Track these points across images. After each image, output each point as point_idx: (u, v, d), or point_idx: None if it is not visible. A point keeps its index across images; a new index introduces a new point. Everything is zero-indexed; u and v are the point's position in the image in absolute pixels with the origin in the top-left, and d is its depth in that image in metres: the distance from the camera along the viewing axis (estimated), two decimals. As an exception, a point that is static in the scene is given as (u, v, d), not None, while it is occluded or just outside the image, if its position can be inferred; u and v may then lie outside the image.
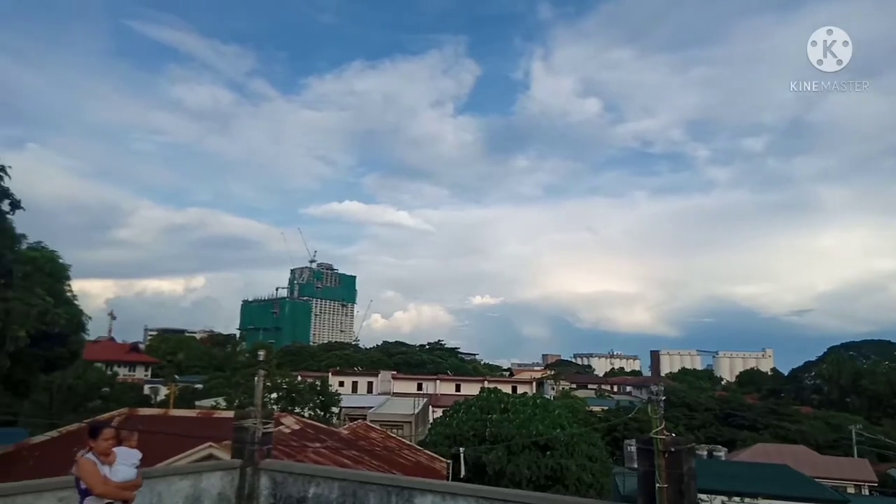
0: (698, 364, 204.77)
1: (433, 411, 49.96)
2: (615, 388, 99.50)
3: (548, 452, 24.51)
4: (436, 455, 23.19)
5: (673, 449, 6.39)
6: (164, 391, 55.42)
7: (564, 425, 26.32)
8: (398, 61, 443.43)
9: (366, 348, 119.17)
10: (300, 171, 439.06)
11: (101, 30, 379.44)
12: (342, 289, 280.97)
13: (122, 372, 71.07)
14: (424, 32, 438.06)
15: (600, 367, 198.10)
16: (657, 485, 6.16)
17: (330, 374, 59.81)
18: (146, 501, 6.65)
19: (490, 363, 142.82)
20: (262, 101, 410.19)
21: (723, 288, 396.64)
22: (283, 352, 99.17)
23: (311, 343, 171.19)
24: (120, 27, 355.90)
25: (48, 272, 17.75)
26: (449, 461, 22.80)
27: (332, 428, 26.62)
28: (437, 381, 66.87)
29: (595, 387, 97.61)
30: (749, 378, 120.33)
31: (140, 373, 78.18)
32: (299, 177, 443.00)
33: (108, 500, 5.20)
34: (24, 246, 17.42)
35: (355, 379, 66.35)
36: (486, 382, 59.14)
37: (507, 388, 46.68)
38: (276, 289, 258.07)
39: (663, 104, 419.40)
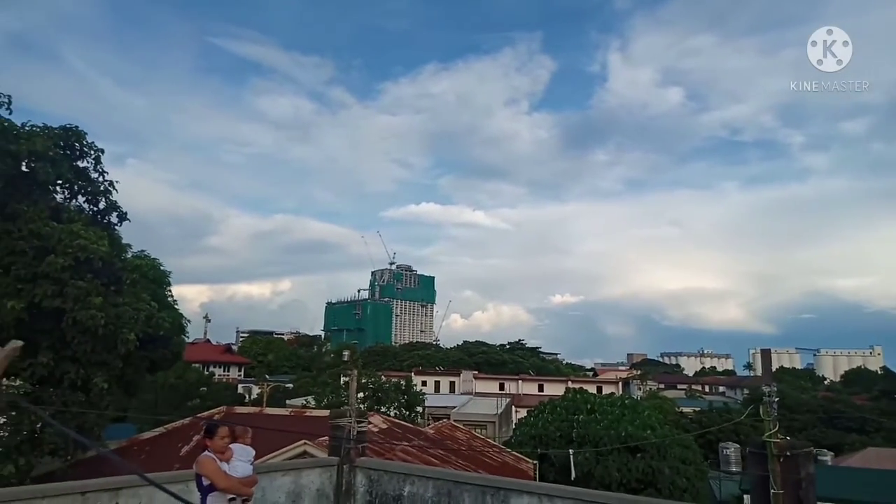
0: (797, 363, 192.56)
1: (516, 411, 49.57)
2: (707, 389, 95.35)
3: (638, 455, 23.74)
4: (522, 456, 22.94)
5: (789, 453, 6.02)
6: (256, 390, 57.94)
7: (655, 427, 25.41)
8: (471, 61, 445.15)
9: (446, 348, 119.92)
10: (378, 175, 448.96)
11: (191, 49, 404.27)
12: (421, 289, 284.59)
13: (218, 372, 74.79)
14: (497, 31, 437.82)
15: (689, 366, 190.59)
16: (772, 491, 5.80)
17: (412, 373, 60.46)
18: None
19: (572, 363, 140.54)
20: (340, 108, 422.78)
21: (823, 281, 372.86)
22: (367, 352, 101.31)
23: (393, 343, 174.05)
24: (207, 46, 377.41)
25: (151, 279, 18.75)
26: (535, 462, 22.49)
27: (418, 427, 26.90)
28: (520, 381, 66.32)
29: (685, 387, 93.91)
30: (856, 377, 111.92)
31: (234, 373, 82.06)
32: (377, 180, 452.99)
33: (230, 497, 5.31)
34: (129, 255, 18.57)
35: (437, 378, 66.74)
36: (569, 382, 58.15)
37: (591, 389, 45.68)
38: (358, 290, 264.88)
39: (751, 89, 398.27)
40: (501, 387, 63.73)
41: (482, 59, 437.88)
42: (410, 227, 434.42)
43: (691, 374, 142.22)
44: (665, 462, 23.40)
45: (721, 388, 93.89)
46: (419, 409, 38.08)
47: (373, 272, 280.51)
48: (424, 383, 58.99)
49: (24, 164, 15.58)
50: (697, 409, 54.50)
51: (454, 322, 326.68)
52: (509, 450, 24.41)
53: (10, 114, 16.10)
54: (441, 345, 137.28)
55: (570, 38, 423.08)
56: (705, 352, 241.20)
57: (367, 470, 8.63)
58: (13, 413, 13.64)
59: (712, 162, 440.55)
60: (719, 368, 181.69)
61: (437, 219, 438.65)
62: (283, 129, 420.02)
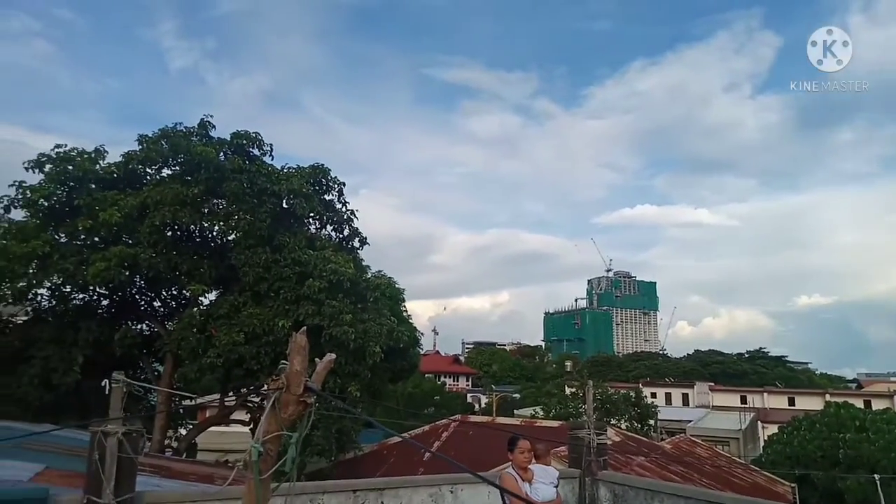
0: None
1: (763, 427, 44.76)
2: None
3: (931, 483, 19.88)
4: (776, 476, 20.65)
5: None
6: (484, 399, 60.05)
7: (955, 450, 21.10)
8: (681, 51, 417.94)
9: (675, 358, 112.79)
10: (588, 182, 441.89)
11: (406, 83, 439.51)
12: (642, 296, 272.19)
13: (448, 382, 79.02)
14: (709, 14, 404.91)
15: None
16: None
17: (640, 384, 57.86)
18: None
19: (828, 373, 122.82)
20: (546, 119, 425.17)
21: None
22: (590, 362, 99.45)
23: (615, 353, 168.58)
24: (421, 77, 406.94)
25: (389, 296, 20.29)
26: (794, 485, 20.15)
27: (653, 441, 25.61)
28: (765, 394, 59.97)
29: None
30: None
31: (462, 382, 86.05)
32: (587, 187, 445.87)
33: None
34: (370, 275, 20.47)
35: (668, 390, 63.16)
36: (827, 395, 51.00)
37: (857, 403, 39.50)
38: (575, 300, 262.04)
39: None
40: (743, 400, 58.15)
41: (694, 46, 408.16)
42: (625, 231, 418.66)
43: None
44: (973, 494, 19.27)
45: None
46: (651, 422, 36.32)
47: (589, 280, 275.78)
48: (654, 395, 56.09)
49: (284, 201, 18.15)
50: None
51: (681, 330, 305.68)
52: (758, 469, 22.14)
53: (272, 160, 18.96)
54: (668, 354, 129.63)
55: (798, 7, 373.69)
56: None
57: (611, 484, 8.34)
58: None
59: None
60: None
61: (654, 221, 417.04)
62: (491, 146, 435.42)
